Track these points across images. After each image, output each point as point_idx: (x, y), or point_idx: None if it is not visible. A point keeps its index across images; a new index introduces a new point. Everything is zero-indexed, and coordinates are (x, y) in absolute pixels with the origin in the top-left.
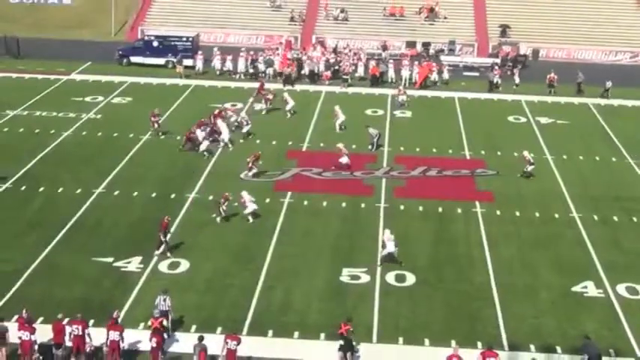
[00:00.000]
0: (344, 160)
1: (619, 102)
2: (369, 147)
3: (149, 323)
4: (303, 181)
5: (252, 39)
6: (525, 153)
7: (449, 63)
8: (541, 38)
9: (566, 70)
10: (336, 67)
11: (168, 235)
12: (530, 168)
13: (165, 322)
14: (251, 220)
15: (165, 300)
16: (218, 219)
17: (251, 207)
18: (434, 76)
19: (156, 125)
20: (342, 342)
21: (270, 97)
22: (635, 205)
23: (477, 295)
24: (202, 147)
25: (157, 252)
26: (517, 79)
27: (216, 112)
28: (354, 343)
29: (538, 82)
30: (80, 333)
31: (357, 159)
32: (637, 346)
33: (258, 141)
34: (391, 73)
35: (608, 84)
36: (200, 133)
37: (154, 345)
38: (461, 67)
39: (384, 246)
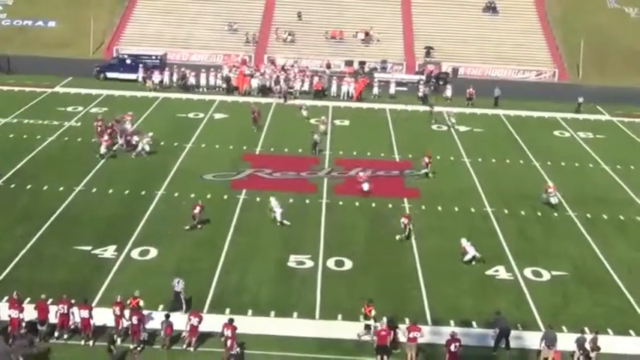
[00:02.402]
0: (365, 187)
1: (526, 113)
2: (312, 151)
3: (128, 302)
4: (256, 180)
5: (212, 57)
6: (550, 184)
7: (381, 79)
8: (460, 58)
9: (482, 86)
10: (286, 83)
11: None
12: (551, 199)
13: (141, 303)
14: (285, 222)
15: (178, 282)
16: (187, 227)
17: (278, 212)
18: (375, 90)
19: (99, 130)
20: (367, 322)
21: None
22: (539, 202)
23: (405, 278)
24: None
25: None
26: (449, 93)
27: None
28: (373, 324)
29: (457, 95)
30: (65, 311)
31: (302, 161)
32: (540, 321)
33: (217, 145)
34: (334, 88)
35: (497, 92)
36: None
37: (135, 322)
38: (392, 82)
39: (464, 252)
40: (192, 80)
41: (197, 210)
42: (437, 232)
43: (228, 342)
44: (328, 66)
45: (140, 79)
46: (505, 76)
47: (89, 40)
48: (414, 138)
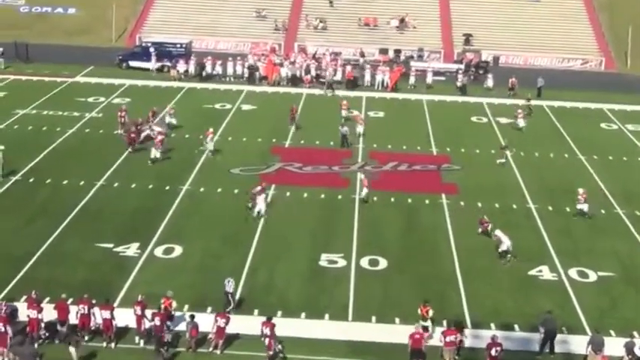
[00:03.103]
0: (363, 193)
1: (570, 104)
2: (343, 145)
3: (161, 301)
4: (285, 175)
5: (240, 45)
6: (580, 190)
7: (417, 68)
8: (501, 46)
9: (524, 75)
10: (317, 72)
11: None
12: (582, 207)
13: (174, 304)
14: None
15: (229, 282)
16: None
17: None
18: (411, 80)
19: (122, 121)
20: (423, 323)
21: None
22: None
23: (442, 278)
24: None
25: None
26: (490, 83)
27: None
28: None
29: (497, 85)
30: (86, 312)
31: (333, 154)
32: (586, 323)
33: (244, 138)
34: (368, 77)
35: (540, 81)
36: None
37: (158, 323)
38: (429, 71)
39: (498, 243)
40: (211, 69)
41: (258, 189)
42: (475, 230)
43: (266, 341)
44: (362, 54)
45: (153, 68)
46: (549, 65)
47: (111, 27)
48: (452, 130)
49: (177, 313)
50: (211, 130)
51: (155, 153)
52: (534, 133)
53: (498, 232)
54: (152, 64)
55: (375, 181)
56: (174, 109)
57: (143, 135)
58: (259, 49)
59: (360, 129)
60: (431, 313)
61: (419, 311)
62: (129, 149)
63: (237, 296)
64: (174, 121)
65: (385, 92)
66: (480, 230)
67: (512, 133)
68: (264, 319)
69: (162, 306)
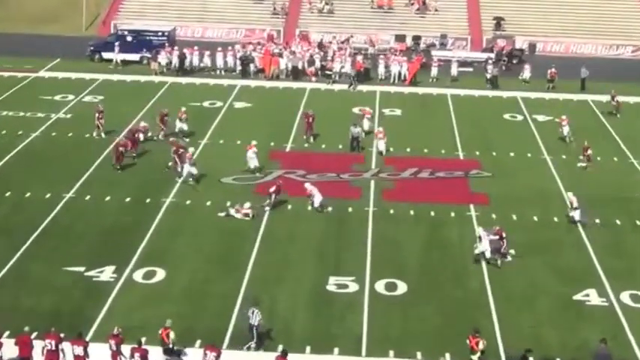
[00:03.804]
0: (316, 201)
1: (620, 98)
2: (353, 148)
3: (159, 332)
4: (287, 184)
5: (232, 33)
6: (570, 195)
7: (440, 58)
8: (538, 31)
9: (565, 65)
10: (322, 63)
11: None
12: (573, 213)
13: (172, 335)
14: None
15: (253, 313)
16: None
17: (318, 198)
18: (433, 72)
19: (100, 123)
20: (473, 357)
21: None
22: (639, 208)
23: (472, 304)
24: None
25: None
26: (527, 74)
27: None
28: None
29: (534, 77)
30: (54, 348)
31: (342, 160)
32: None
33: (238, 142)
34: (381, 70)
35: (584, 72)
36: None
37: None
38: (454, 61)
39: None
40: (198, 61)
41: (273, 189)
42: (510, 247)
43: None
44: (372, 43)
45: (116, 60)
46: (594, 53)
47: (81, 13)
48: (481, 130)
49: (157, 348)
50: (254, 143)
51: (190, 169)
52: (578, 133)
53: (481, 231)
54: (115, 55)
55: (391, 191)
56: (185, 113)
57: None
58: (254, 36)
59: (366, 125)
60: (482, 345)
61: (467, 342)
62: (115, 165)
63: (231, 327)
64: (185, 126)
65: (402, 86)
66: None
67: (552, 132)
68: (264, 354)
69: (160, 336)
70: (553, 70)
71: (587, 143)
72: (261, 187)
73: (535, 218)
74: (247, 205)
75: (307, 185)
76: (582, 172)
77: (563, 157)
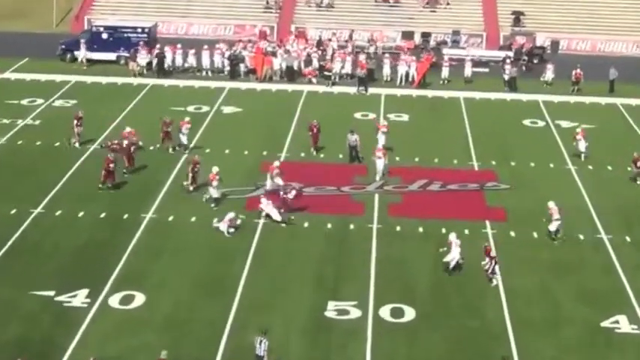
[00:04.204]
0: (274, 214)
1: None
2: (351, 158)
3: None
4: (281, 198)
5: (220, 30)
6: (551, 204)
7: (452, 57)
8: (561, 27)
9: (592, 65)
10: (321, 63)
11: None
12: (554, 226)
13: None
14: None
15: (261, 343)
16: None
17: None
18: (444, 73)
19: (78, 131)
20: None
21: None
22: None
23: (488, 332)
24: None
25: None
26: (549, 75)
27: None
28: None
29: (558, 78)
30: None
31: (343, 171)
32: None
33: (227, 151)
34: (387, 70)
35: (613, 73)
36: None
37: None
38: (467, 61)
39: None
40: (182, 61)
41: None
42: (531, 268)
43: None
44: (372, 40)
45: (82, 59)
46: (624, 52)
47: (51, 8)
48: (498, 138)
49: None
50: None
51: (212, 191)
52: (606, 141)
53: (452, 237)
54: (81, 54)
55: (397, 206)
56: (189, 123)
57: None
58: (245, 33)
59: (382, 141)
60: None
61: None
62: (103, 185)
63: (218, 357)
64: (185, 139)
65: (410, 89)
66: (486, 266)
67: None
68: None
69: None
70: (578, 70)
71: (637, 154)
72: (254, 202)
73: (558, 235)
74: (231, 215)
75: (263, 201)
76: (611, 185)
77: (590, 167)
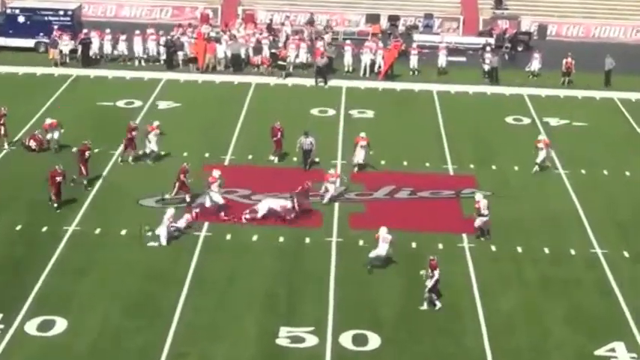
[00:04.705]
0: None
1: None
2: (304, 163)
3: None
4: (226, 207)
5: (155, 12)
6: (479, 196)
7: (424, 44)
8: (549, 11)
9: (585, 53)
10: (272, 51)
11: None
12: (479, 221)
13: None
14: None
15: None
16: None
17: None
18: (413, 62)
19: (1, 130)
20: None
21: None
22: None
23: None
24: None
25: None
26: (536, 65)
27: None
28: None
29: (546, 69)
30: None
31: (297, 176)
32: None
33: (162, 152)
34: (348, 59)
35: (609, 63)
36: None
37: None
38: (441, 48)
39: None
40: (111, 49)
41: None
42: (515, 288)
43: None
44: (311, 22)
45: None
46: (622, 39)
47: None
48: (477, 137)
49: None
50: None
51: (215, 197)
52: (601, 141)
53: (383, 233)
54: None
55: (360, 217)
56: (159, 129)
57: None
58: (184, 16)
59: (361, 156)
60: None
61: None
62: (52, 201)
63: None
64: (155, 147)
65: (376, 80)
66: (426, 279)
67: (568, 140)
68: None
69: None
70: (569, 59)
71: None
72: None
73: (546, 250)
74: (170, 211)
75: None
76: (606, 192)
77: (583, 171)
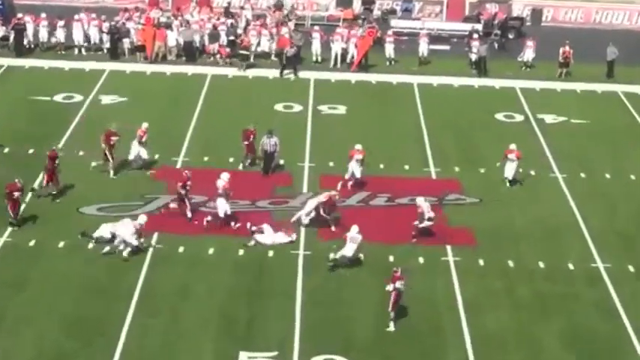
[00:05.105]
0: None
1: None
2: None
3: None
4: (177, 216)
5: None
6: (420, 201)
7: (402, 31)
8: None
9: (585, 41)
10: (232, 38)
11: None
12: (423, 225)
13: None
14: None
15: None
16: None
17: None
18: (389, 51)
19: None
20: None
21: None
22: None
23: None
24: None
25: None
26: (530, 55)
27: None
28: None
29: (540, 59)
30: None
31: (261, 180)
32: None
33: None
34: (317, 47)
35: (612, 52)
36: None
37: None
38: (422, 35)
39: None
40: (47, 36)
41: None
42: (505, 306)
43: None
44: (279, 5)
45: None
46: (627, 25)
47: None
48: (464, 137)
49: None
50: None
51: (223, 205)
52: (604, 141)
53: (353, 233)
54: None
55: (330, 227)
56: (147, 132)
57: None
58: (130, 0)
59: (357, 171)
60: None
61: None
62: (11, 220)
63: None
64: (144, 153)
65: (348, 72)
66: (390, 289)
67: (566, 140)
68: None
69: None
70: (567, 48)
71: None
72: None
73: (541, 264)
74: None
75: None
76: (609, 198)
77: (582, 175)
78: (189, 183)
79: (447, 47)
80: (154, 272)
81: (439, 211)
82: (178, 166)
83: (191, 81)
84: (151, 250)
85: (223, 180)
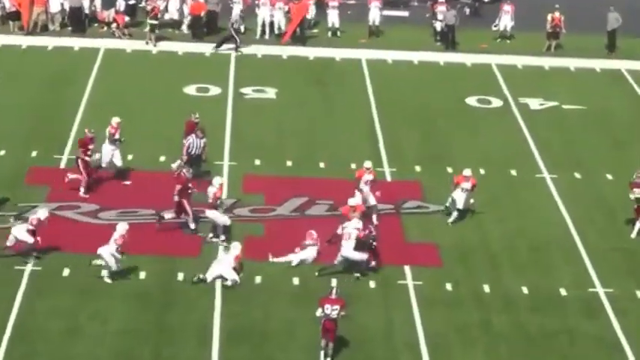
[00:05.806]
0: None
1: None
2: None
3: None
4: (61, 229)
5: None
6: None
7: None
8: None
9: (580, 7)
10: (131, 2)
11: None
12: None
13: None
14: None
15: None
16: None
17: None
18: (332, 19)
19: None
20: None
21: None
22: None
23: None
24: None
25: None
26: (506, 21)
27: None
28: None
29: (522, 28)
30: None
31: (167, 182)
32: None
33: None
34: (238, 12)
35: (613, 20)
36: None
37: None
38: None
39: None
40: None
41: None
42: (478, 344)
43: None
44: None
45: None
46: None
47: None
48: (427, 127)
49: None
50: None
51: (220, 218)
52: (602, 130)
53: (311, 236)
54: None
55: (257, 241)
56: (117, 127)
57: None
58: None
59: (371, 199)
60: None
61: None
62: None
63: None
64: (118, 161)
65: (278, 45)
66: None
67: (555, 130)
68: None
69: None
70: (557, 14)
71: None
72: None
73: (524, 290)
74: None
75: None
76: (609, 205)
77: (577, 176)
78: (190, 188)
79: (404, 13)
80: (28, 301)
81: (396, 220)
82: (62, 165)
83: (79, 57)
84: (27, 272)
85: (215, 187)
